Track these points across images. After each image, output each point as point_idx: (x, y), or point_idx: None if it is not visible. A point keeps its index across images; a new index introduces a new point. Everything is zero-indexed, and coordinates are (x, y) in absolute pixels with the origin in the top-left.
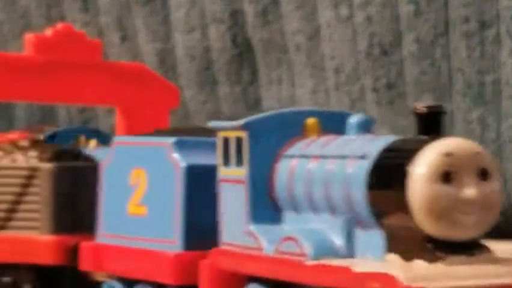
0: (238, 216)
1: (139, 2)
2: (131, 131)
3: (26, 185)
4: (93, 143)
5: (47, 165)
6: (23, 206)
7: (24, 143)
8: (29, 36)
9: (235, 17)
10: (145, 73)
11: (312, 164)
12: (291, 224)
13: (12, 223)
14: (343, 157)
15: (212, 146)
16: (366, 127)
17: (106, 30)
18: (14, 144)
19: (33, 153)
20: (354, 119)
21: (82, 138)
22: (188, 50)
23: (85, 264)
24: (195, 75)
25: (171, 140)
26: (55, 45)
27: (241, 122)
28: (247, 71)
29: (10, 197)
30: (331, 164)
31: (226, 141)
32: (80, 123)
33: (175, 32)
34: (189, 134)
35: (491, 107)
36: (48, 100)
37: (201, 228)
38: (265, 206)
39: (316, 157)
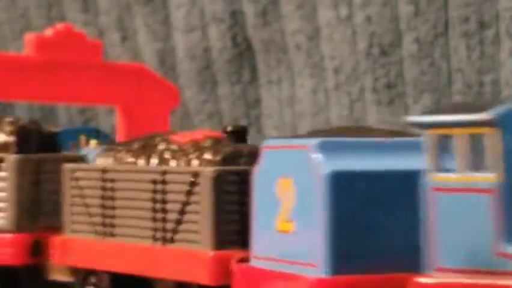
0: (476, 234)
1: (139, 2)
2: (131, 131)
3: (189, 193)
4: (93, 143)
5: (208, 170)
6: (186, 217)
7: (206, 143)
8: (29, 36)
9: (235, 17)
10: (144, 73)
11: None
12: None
13: (179, 236)
14: None
15: (372, 149)
16: None
17: (106, 30)
18: (196, 145)
19: (208, 155)
20: None
21: (83, 138)
22: (189, 50)
23: None
24: (195, 75)
25: (314, 141)
26: (55, 45)
27: (489, 115)
28: (247, 71)
29: (178, 206)
30: None
31: (441, 139)
32: (81, 123)
33: (175, 32)
34: (350, 134)
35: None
36: (48, 100)
37: (352, 248)
38: None
39: None
